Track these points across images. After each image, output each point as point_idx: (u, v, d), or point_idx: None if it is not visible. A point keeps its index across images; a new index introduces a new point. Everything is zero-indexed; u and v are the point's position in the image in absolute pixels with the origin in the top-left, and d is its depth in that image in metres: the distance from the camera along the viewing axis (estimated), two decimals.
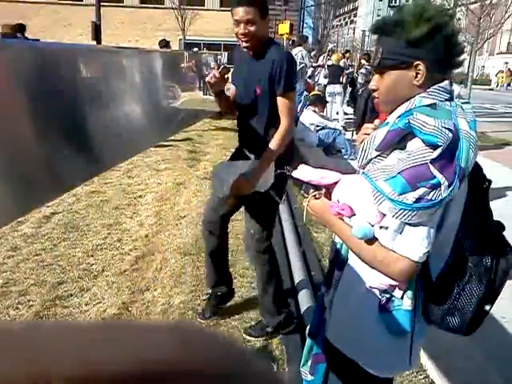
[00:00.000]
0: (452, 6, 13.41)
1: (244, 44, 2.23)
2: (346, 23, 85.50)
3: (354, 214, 1.17)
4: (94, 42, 15.30)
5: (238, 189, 2.26)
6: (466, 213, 1.15)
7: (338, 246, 1.33)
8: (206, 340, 0.21)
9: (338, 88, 10.22)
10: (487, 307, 1.17)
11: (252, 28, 2.18)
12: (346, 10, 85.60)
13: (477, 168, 1.15)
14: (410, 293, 1.17)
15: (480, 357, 2.45)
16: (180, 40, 23.59)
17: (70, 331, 0.20)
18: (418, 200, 1.05)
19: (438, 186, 1.04)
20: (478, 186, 1.17)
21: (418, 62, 1.14)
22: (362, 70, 10.45)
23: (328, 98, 9.98)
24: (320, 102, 7.95)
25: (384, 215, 1.12)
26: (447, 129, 1.05)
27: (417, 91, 1.16)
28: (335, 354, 1.33)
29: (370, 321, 1.22)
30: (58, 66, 1.41)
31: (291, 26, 15.47)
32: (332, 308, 1.33)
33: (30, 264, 3.41)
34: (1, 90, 1.10)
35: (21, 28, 6.59)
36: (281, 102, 2.26)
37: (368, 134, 1.26)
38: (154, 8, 24.95)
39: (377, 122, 1.36)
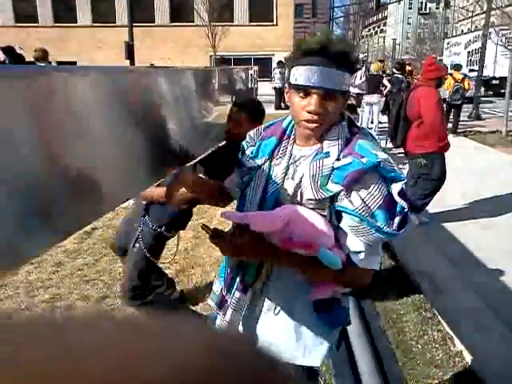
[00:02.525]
0: (485, 9, 13.14)
1: None
2: (376, 32, 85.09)
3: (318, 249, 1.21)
4: (128, 62, 15.70)
5: None
6: None
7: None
8: (248, 353, 0.20)
9: (375, 98, 10.12)
10: None
11: None
12: (375, 19, 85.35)
13: None
14: (347, 292, 1.39)
15: None
16: (211, 56, 23.96)
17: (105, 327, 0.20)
18: (400, 226, 1.19)
19: (402, 211, 1.19)
20: None
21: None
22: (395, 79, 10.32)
23: (366, 108, 9.90)
24: (350, 110, 7.89)
25: (338, 242, 1.24)
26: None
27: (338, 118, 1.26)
28: None
29: (310, 324, 1.36)
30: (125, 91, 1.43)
31: None
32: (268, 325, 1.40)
33: (74, 279, 3.47)
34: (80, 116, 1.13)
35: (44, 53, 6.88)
36: None
37: None
38: (185, 26, 25.47)
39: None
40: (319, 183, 1.20)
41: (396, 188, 1.19)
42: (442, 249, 3.99)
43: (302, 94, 1.20)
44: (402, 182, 1.19)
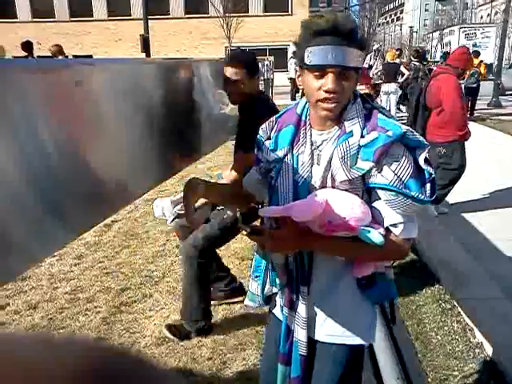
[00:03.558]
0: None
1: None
2: (393, 20, 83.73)
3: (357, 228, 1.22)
4: (144, 55, 15.75)
5: None
6: None
7: (291, 262, 1.37)
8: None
9: (392, 86, 10.00)
10: None
11: None
12: (391, 6, 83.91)
13: None
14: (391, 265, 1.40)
15: None
16: (226, 48, 23.89)
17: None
18: (433, 192, 1.22)
19: (429, 177, 1.22)
20: None
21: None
22: (413, 66, 10.16)
23: (383, 97, 9.77)
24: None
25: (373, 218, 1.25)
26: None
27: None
28: (325, 355, 1.41)
29: (357, 302, 1.37)
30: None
31: None
32: (314, 317, 1.40)
33: (95, 271, 3.53)
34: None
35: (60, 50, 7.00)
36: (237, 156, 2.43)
37: None
38: (200, 17, 25.42)
39: None
40: (349, 163, 1.21)
41: (422, 155, 1.22)
42: (462, 239, 3.95)
43: (317, 74, 1.20)
44: (427, 149, 1.22)
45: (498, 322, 2.69)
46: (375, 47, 11.19)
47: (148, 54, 16.13)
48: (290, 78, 14.89)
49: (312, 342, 1.40)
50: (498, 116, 11.48)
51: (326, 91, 1.19)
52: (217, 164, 6.80)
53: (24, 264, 1.09)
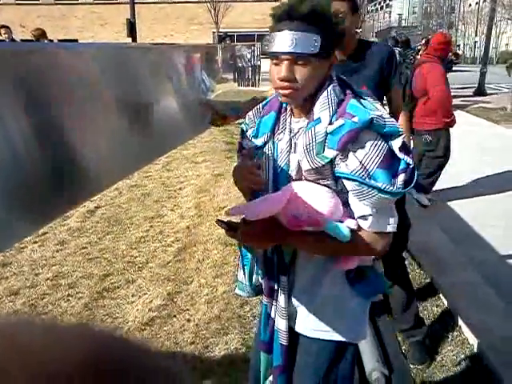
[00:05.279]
0: None
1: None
2: (382, 8, 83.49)
3: (323, 223, 1.17)
4: (130, 40, 15.53)
5: None
6: None
7: (270, 251, 1.34)
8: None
9: None
10: None
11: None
12: None
13: None
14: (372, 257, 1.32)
15: None
16: (214, 33, 23.64)
17: None
18: (406, 184, 1.14)
19: (406, 167, 1.14)
20: None
21: (333, 53, 1.20)
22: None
23: None
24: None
25: (347, 209, 1.19)
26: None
27: (322, 81, 1.20)
28: (307, 348, 1.38)
29: (346, 297, 1.32)
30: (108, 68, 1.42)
31: None
32: (296, 309, 1.37)
33: (77, 257, 3.50)
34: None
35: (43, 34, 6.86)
36: (396, 95, 2.30)
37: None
38: (187, 2, 25.08)
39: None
40: (315, 152, 1.16)
41: (396, 143, 1.15)
42: (443, 225, 3.99)
43: (275, 62, 1.17)
44: (402, 137, 1.16)
45: (477, 307, 2.74)
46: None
47: (134, 40, 15.90)
48: None
49: (294, 333, 1.38)
50: (483, 104, 11.57)
51: (280, 79, 1.16)
52: (202, 150, 6.76)
53: None
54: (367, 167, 1.13)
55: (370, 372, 2.24)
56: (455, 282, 3.05)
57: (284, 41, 1.13)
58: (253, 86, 6.54)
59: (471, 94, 13.41)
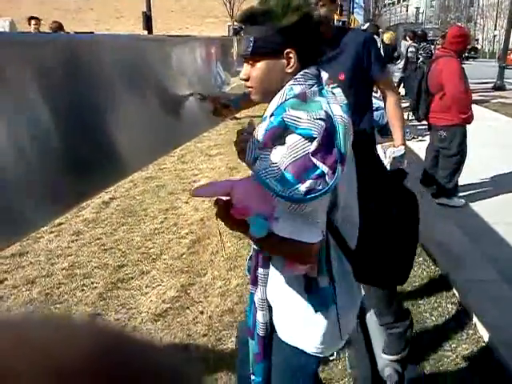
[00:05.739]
0: None
1: None
2: (399, 1, 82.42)
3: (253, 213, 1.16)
4: (146, 32, 15.56)
5: None
6: (360, 181, 1.28)
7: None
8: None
9: (390, 68, 9.87)
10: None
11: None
12: None
13: (362, 134, 1.31)
14: (323, 271, 1.25)
15: None
16: (229, 26, 23.57)
17: None
18: (308, 192, 1.08)
19: (322, 175, 1.08)
20: (368, 151, 1.36)
21: (288, 50, 1.18)
22: (411, 49, 9.98)
23: None
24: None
25: (274, 208, 1.15)
26: (319, 119, 1.09)
27: (289, 79, 1.20)
28: (278, 347, 1.38)
29: (302, 305, 1.29)
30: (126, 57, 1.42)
31: (341, 6, 15.07)
32: (271, 304, 1.37)
33: (93, 248, 3.54)
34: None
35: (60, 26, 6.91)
36: (385, 85, 2.36)
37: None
38: None
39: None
40: (254, 148, 1.19)
41: (311, 147, 1.09)
42: (460, 222, 3.95)
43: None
44: (316, 140, 1.08)
45: (493, 304, 2.71)
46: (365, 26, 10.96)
47: (150, 32, 15.93)
48: None
49: (273, 326, 1.38)
50: (501, 99, 11.38)
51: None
52: (216, 143, 6.77)
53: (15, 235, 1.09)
54: (279, 167, 1.11)
55: (383, 368, 2.24)
56: (470, 279, 3.01)
57: (241, 44, 1.24)
58: None
59: (490, 88, 13.19)
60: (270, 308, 1.37)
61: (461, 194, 4.60)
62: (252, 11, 1.20)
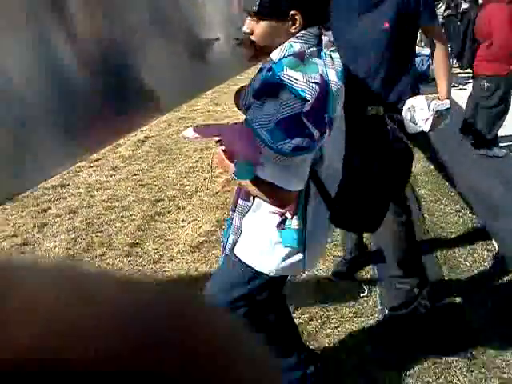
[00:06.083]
0: None
1: None
2: None
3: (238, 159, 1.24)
4: None
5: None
6: (348, 136, 1.36)
7: None
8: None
9: None
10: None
11: None
12: None
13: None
14: (298, 216, 1.36)
15: None
16: None
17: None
18: (294, 149, 1.16)
19: (311, 135, 1.16)
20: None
21: (294, 12, 1.20)
22: None
23: None
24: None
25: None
26: (314, 83, 1.14)
27: (284, 38, 1.23)
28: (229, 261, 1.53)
29: (272, 235, 1.41)
30: None
31: None
32: (241, 229, 1.47)
33: (130, 183, 3.62)
34: None
35: None
36: (433, 29, 2.19)
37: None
38: None
39: None
40: (246, 95, 1.27)
41: (304, 109, 1.15)
42: (500, 172, 3.86)
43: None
44: (309, 103, 1.14)
45: None
46: None
47: None
48: None
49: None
50: None
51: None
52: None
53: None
54: (270, 120, 1.17)
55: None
56: (508, 228, 2.97)
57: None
58: None
59: None
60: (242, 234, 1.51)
61: (502, 145, 4.46)
62: None
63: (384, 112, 1.99)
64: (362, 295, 2.42)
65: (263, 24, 1.22)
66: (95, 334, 0.15)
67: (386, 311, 2.32)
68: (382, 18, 2.01)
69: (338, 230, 2.33)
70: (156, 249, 2.74)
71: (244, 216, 1.45)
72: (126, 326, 0.16)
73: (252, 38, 1.27)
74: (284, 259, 1.44)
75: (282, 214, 1.37)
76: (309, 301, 2.33)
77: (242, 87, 1.40)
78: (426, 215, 3.14)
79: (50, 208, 3.20)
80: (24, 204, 3.17)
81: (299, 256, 1.45)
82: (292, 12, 1.20)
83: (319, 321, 2.22)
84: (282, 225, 1.38)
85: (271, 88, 1.19)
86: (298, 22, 1.21)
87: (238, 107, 1.38)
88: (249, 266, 1.46)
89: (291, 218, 1.37)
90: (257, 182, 1.24)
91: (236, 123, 1.35)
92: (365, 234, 2.63)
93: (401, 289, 2.34)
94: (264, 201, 1.34)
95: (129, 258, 2.64)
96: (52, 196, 3.35)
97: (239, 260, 1.47)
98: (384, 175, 1.51)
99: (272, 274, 1.46)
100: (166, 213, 3.15)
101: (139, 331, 0.16)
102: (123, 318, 0.16)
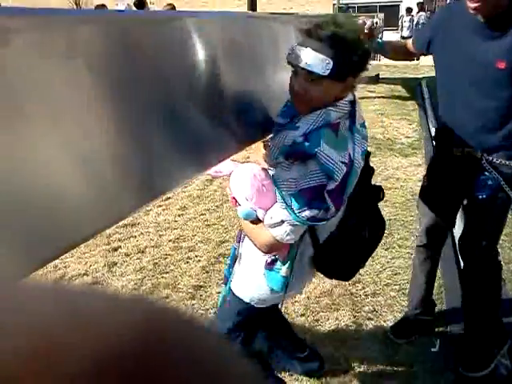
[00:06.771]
0: None
1: (473, 5, 1.71)
2: None
3: (239, 204, 1.34)
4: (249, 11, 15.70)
5: None
6: (350, 203, 1.39)
7: None
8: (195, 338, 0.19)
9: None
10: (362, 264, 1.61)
11: None
12: None
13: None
14: (288, 264, 1.43)
15: None
16: (333, 5, 22.98)
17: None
18: (311, 218, 1.25)
19: (327, 209, 1.24)
20: (365, 177, 1.41)
21: (351, 78, 1.26)
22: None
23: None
24: None
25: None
26: (343, 163, 1.22)
27: (329, 99, 1.26)
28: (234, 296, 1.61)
29: (259, 273, 1.48)
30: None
31: None
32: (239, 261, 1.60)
33: (197, 223, 3.70)
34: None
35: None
36: None
37: None
38: None
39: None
40: (277, 152, 1.29)
41: (329, 186, 1.23)
42: None
43: (293, 71, 1.28)
44: (334, 183, 1.22)
45: None
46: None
47: (254, 9, 16.03)
48: (403, 37, 14.02)
49: None
50: None
51: (293, 91, 1.30)
52: None
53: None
54: (294, 185, 1.24)
55: None
56: None
57: (302, 56, 1.22)
58: (374, 59, 6.27)
59: None
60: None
61: None
62: (335, 34, 1.21)
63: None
64: (433, 350, 2.26)
65: (318, 84, 1.24)
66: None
67: (461, 370, 2.14)
68: (495, 55, 1.78)
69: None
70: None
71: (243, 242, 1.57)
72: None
73: (302, 99, 1.28)
74: (263, 294, 1.53)
75: (274, 255, 1.44)
76: (372, 354, 2.21)
77: (266, 141, 1.49)
78: (502, 262, 2.91)
79: (120, 247, 3.33)
80: (96, 243, 3.32)
81: (279, 294, 1.53)
82: (349, 78, 1.26)
83: (385, 377, 2.09)
84: (271, 265, 1.45)
85: (304, 156, 1.24)
86: (348, 88, 1.28)
87: (264, 161, 1.45)
88: (237, 296, 1.57)
89: (281, 264, 1.45)
90: (255, 223, 1.35)
91: (246, 166, 1.42)
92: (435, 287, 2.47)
93: (478, 346, 2.16)
94: (252, 242, 1.41)
95: (193, 301, 2.67)
96: (123, 235, 3.49)
97: (234, 295, 1.58)
98: (370, 238, 1.56)
99: (253, 303, 1.55)
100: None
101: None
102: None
